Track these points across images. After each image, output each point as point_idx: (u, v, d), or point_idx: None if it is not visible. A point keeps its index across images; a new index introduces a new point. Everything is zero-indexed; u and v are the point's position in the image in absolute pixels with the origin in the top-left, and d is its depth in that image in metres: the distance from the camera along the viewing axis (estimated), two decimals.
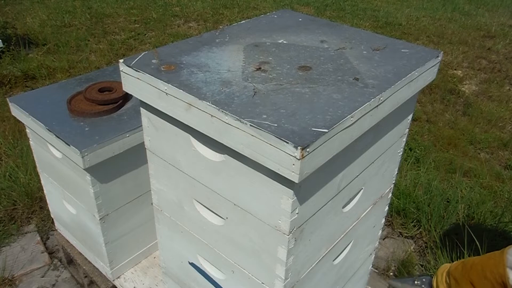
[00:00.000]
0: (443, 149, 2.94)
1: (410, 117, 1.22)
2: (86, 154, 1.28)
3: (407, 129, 1.25)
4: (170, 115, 0.95)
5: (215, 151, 0.95)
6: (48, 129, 1.37)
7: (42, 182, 1.73)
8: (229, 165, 0.92)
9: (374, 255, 1.53)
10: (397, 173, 1.35)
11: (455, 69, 4.18)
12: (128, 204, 1.52)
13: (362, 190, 1.13)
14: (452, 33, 5.07)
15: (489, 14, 5.92)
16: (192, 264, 1.23)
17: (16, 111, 1.52)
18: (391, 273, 1.97)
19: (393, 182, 1.35)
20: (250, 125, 0.78)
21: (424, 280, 1.72)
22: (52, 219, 1.88)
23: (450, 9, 6.06)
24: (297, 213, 0.86)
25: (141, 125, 1.11)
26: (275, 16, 1.35)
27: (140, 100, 1.03)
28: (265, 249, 0.95)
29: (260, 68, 0.99)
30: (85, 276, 1.75)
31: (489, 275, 1.38)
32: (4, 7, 5.25)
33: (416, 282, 1.73)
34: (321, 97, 0.88)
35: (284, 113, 0.82)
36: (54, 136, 1.35)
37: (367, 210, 1.23)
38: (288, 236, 0.88)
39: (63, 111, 1.46)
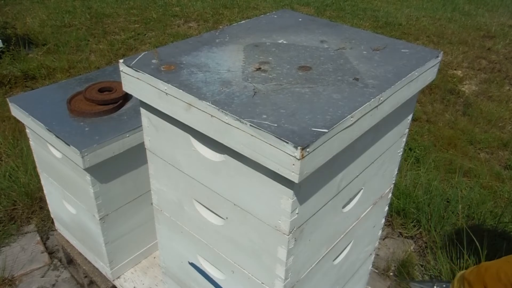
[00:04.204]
0: (443, 149, 2.94)
1: (410, 117, 1.22)
2: (86, 154, 1.28)
3: (407, 129, 1.25)
4: (170, 115, 0.95)
5: (215, 151, 0.95)
6: (48, 129, 1.37)
7: (42, 182, 1.73)
8: (229, 165, 0.92)
9: (374, 255, 1.53)
10: (397, 173, 1.35)
11: (455, 69, 4.18)
12: (128, 204, 1.52)
13: (362, 190, 1.13)
14: (452, 33, 5.07)
15: (489, 14, 5.92)
16: (192, 264, 1.23)
17: (16, 111, 1.52)
18: (391, 273, 1.97)
19: (393, 182, 1.35)
20: (250, 125, 0.78)
21: (444, 286, 1.72)
22: (52, 219, 1.88)
23: (450, 9, 6.06)
24: (297, 213, 0.86)
25: (141, 125, 1.11)
26: (275, 16, 1.35)
27: (140, 100, 1.03)
28: (265, 249, 0.95)
29: (260, 68, 0.99)
30: (85, 276, 1.75)
31: (503, 277, 1.38)
32: (4, 7, 5.25)
33: (435, 286, 1.73)
34: (321, 97, 0.88)
35: (284, 113, 0.82)
36: (54, 136, 1.35)
37: (367, 210, 1.23)
38: (288, 236, 0.88)
39: (63, 111, 1.46)
